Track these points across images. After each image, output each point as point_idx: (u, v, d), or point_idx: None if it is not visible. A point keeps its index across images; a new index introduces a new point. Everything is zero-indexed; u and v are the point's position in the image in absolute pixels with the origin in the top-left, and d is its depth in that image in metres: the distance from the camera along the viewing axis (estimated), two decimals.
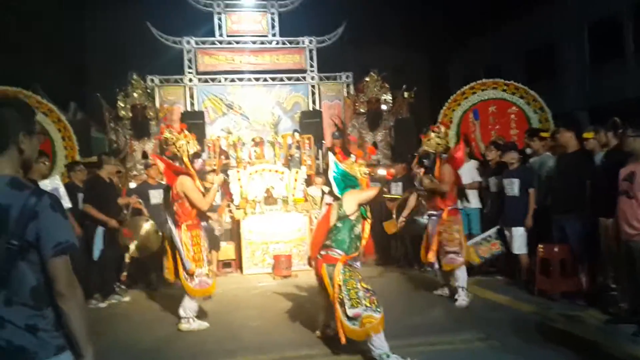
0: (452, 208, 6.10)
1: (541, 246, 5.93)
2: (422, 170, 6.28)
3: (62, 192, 6.10)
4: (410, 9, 18.87)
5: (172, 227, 5.48)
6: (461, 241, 6.04)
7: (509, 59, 18.77)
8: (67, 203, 6.12)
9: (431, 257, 6.02)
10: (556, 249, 5.76)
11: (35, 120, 2.10)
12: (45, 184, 5.95)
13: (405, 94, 11.70)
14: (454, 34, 19.38)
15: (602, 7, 14.96)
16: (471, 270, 6.71)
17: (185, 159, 5.46)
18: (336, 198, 4.58)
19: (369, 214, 4.64)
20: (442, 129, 6.30)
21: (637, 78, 14.02)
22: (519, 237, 6.35)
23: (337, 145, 11.29)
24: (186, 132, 5.58)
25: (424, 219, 6.64)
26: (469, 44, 20.36)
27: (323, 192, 8.98)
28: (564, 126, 5.73)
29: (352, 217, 4.44)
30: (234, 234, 9.31)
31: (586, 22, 15.79)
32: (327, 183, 4.86)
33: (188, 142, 5.48)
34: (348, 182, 4.56)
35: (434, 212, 6.15)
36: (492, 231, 6.79)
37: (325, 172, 10.73)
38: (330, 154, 4.83)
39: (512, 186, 6.51)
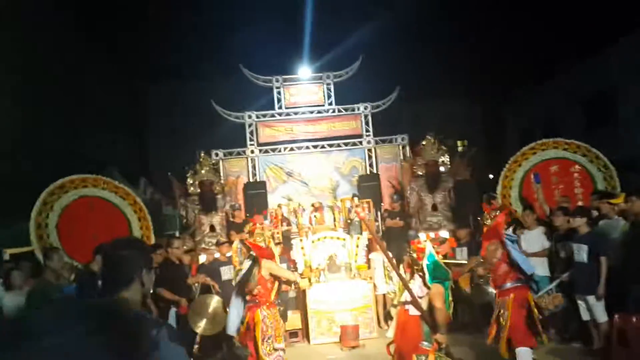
0: (501, 289, 5.65)
1: (618, 315, 5.74)
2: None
3: None
4: (460, 62, 19.12)
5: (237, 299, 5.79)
6: (509, 322, 5.44)
7: (566, 107, 18.52)
8: (150, 288, 6.44)
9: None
10: (634, 319, 5.55)
11: (152, 257, 2.39)
12: None
13: (460, 147, 11.78)
14: (509, 85, 19.36)
15: None
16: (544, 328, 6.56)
17: (272, 246, 5.92)
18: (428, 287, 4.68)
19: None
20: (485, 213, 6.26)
21: None
22: (597, 305, 6.15)
23: (396, 207, 11.43)
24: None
25: (491, 289, 6.58)
26: (524, 94, 20.27)
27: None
28: (636, 194, 5.62)
29: None
30: (299, 303, 9.44)
31: None
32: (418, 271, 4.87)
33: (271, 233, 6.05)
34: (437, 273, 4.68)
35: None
36: (553, 285, 6.67)
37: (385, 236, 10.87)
38: (429, 243, 4.95)
39: (581, 252, 6.38)
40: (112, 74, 16.19)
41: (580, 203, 8.61)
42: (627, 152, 14.43)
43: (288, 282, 6.16)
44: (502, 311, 5.67)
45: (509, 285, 5.65)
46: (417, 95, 16.52)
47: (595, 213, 7.08)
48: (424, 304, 4.73)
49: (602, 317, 6.18)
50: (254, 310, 5.87)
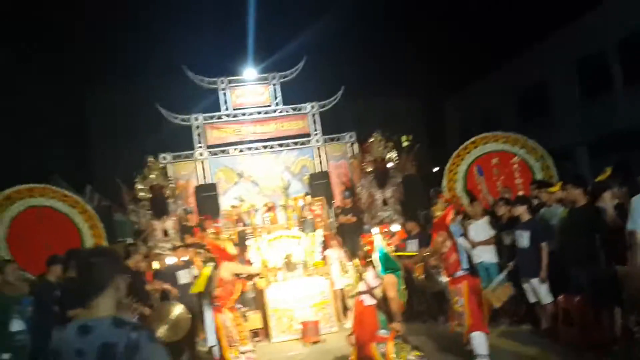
0: (454, 277, 6.06)
1: (562, 297, 6.20)
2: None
3: None
4: (401, 61, 19.69)
5: (209, 311, 5.82)
6: (468, 309, 5.85)
7: (502, 100, 19.46)
8: None
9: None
10: (576, 299, 6.03)
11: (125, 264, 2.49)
12: None
13: (404, 143, 12.18)
14: (447, 81, 20.11)
15: (589, 43, 15.58)
16: (496, 318, 7.01)
17: (230, 248, 5.96)
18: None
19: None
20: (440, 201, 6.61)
21: (626, 110, 14.54)
22: (541, 288, 6.61)
23: (347, 203, 11.74)
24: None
25: (443, 278, 6.95)
26: (462, 89, 21.10)
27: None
28: (572, 183, 6.08)
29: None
30: (258, 302, 9.54)
31: (575, 58, 16.41)
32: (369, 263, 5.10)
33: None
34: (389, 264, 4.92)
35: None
36: (503, 274, 7.11)
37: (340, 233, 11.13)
38: (379, 235, 5.18)
39: (523, 239, 6.82)
40: (50, 80, 15.65)
41: (520, 193, 9.16)
42: (561, 142, 15.37)
43: (251, 277, 6.29)
44: (457, 298, 6.04)
45: (460, 273, 6.02)
46: (362, 94, 16.89)
47: (535, 201, 7.58)
48: (378, 294, 4.98)
49: (546, 298, 6.64)
50: (214, 314, 5.98)
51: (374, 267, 5.03)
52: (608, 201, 5.91)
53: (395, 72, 19.17)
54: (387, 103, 19.88)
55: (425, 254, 6.74)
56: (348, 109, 14.14)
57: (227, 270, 5.98)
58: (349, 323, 5.45)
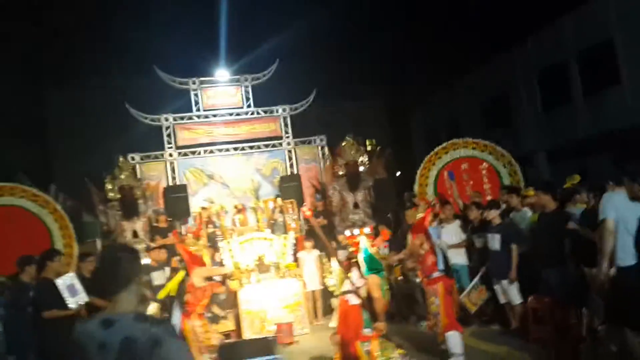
0: (429, 278, 6.19)
1: (532, 297, 6.46)
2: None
3: (79, 287, 6.26)
4: (369, 65, 20.01)
5: (179, 315, 5.85)
6: (443, 309, 6.02)
7: (466, 109, 20.01)
8: (85, 297, 6.30)
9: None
10: (547, 300, 6.29)
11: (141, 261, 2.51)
12: (63, 281, 6.13)
13: (368, 147, 12.36)
14: (414, 87, 20.51)
15: (550, 55, 16.20)
16: (467, 319, 7.25)
17: (206, 256, 5.99)
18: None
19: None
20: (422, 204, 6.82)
21: (585, 120, 15.19)
22: (511, 289, 6.87)
23: (319, 206, 11.86)
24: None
25: (417, 280, 7.14)
26: (428, 96, 21.57)
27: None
28: (541, 189, 6.36)
29: None
30: (230, 304, 9.52)
31: (536, 69, 17.04)
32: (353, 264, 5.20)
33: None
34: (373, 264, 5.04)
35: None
36: (477, 279, 7.35)
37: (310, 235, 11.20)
38: (364, 237, 5.29)
39: (494, 241, 7.07)
40: (13, 77, 15.18)
41: (489, 197, 9.48)
42: (522, 149, 15.92)
43: (224, 280, 6.37)
44: (432, 299, 6.22)
45: (436, 274, 6.22)
46: (332, 98, 17.05)
47: (503, 206, 7.86)
48: (362, 294, 5.11)
49: (516, 299, 6.90)
50: (182, 320, 6.00)
51: (358, 267, 5.14)
52: (576, 206, 6.23)
53: (364, 77, 19.46)
54: (355, 108, 20.11)
55: (400, 257, 6.91)
56: (318, 113, 14.24)
57: (198, 275, 6.00)
58: (333, 322, 5.54)
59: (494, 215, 7.17)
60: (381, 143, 13.77)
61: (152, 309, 7.35)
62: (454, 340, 5.94)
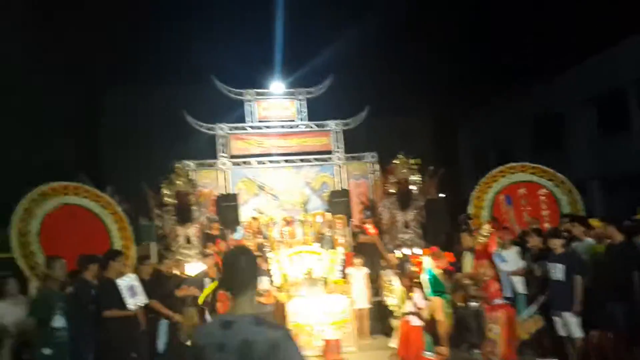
0: (492, 304, 6.23)
1: (595, 332, 6.25)
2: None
3: (140, 289, 6.42)
4: (421, 82, 19.92)
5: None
6: (503, 339, 6.05)
7: (517, 129, 19.60)
8: (144, 299, 6.44)
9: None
10: (610, 335, 6.08)
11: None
12: (124, 282, 6.29)
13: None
14: (465, 105, 20.29)
15: (609, 80, 15.76)
16: (520, 348, 7.04)
17: None
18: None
19: None
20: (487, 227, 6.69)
21: None
22: (572, 322, 6.65)
23: (368, 223, 11.79)
24: None
25: (474, 303, 6.99)
26: (478, 115, 21.26)
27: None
28: (607, 221, 6.17)
29: None
30: (278, 316, 9.53)
31: (594, 94, 16.58)
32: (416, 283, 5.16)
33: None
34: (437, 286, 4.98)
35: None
36: (533, 307, 7.14)
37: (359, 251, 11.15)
38: (428, 258, 5.24)
39: (557, 271, 6.86)
40: (72, 79, 15.77)
41: (546, 224, 9.24)
42: (573, 175, 15.47)
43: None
44: (491, 325, 6.09)
45: (499, 301, 6.09)
46: (383, 113, 17.03)
47: (565, 234, 7.64)
48: (425, 316, 5.04)
49: (577, 332, 6.66)
50: None
51: (421, 288, 5.09)
52: None
53: (416, 94, 19.37)
54: (405, 124, 19.97)
55: (465, 282, 6.78)
56: (370, 128, 14.21)
57: None
58: (393, 342, 5.48)
59: (557, 244, 6.97)
60: (427, 161, 13.56)
61: (189, 312, 7.48)
62: None
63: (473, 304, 7.18)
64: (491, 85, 19.15)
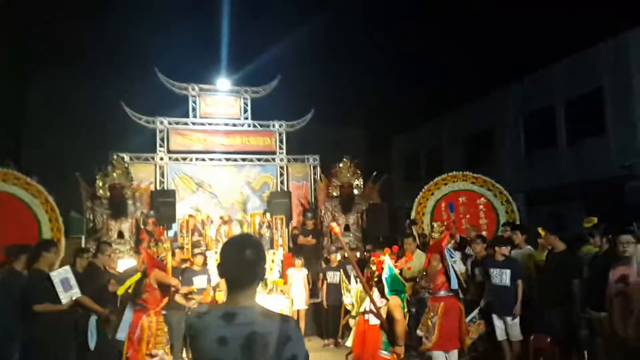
0: (435, 295, 6.38)
1: (534, 336, 6.47)
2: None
3: (73, 282, 5.99)
4: (365, 93, 20.27)
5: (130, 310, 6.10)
6: (437, 329, 6.17)
7: (449, 143, 20.30)
8: (78, 292, 6.02)
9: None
10: (549, 340, 6.31)
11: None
12: (58, 274, 5.86)
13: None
14: (400, 117, 20.77)
15: (539, 99, 16.56)
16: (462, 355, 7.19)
17: (169, 261, 6.54)
18: (386, 298, 4.92)
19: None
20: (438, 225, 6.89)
21: (569, 166, 15.50)
22: (514, 325, 6.87)
23: (308, 225, 11.73)
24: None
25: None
26: (412, 127, 21.83)
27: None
28: (549, 230, 6.44)
29: None
30: None
31: (522, 112, 17.40)
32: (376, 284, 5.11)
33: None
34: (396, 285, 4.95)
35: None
36: (475, 312, 7.33)
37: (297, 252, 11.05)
38: (388, 258, 5.19)
39: (503, 276, 7.06)
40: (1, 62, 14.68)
41: (484, 232, 9.55)
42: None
43: (174, 288, 6.53)
44: (432, 314, 6.25)
45: (442, 293, 6.27)
46: (326, 119, 17.07)
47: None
48: (382, 315, 5.00)
49: (518, 336, 6.90)
50: (139, 316, 6.11)
51: (378, 287, 5.05)
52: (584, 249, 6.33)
53: (357, 104, 19.65)
54: (346, 130, 20.14)
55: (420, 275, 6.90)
56: (313, 132, 14.16)
57: (154, 277, 6.15)
58: (349, 341, 5.39)
59: (505, 251, 7.18)
60: (364, 168, 13.64)
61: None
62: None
63: (421, 295, 7.32)
64: (429, 98, 19.74)
